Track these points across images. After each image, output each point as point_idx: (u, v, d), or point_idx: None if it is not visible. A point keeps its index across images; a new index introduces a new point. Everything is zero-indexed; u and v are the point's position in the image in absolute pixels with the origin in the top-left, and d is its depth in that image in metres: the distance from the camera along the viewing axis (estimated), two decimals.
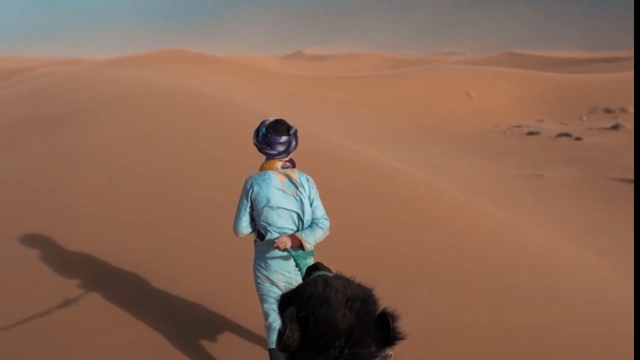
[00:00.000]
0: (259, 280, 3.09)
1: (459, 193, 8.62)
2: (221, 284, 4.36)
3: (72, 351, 3.63)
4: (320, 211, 3.09)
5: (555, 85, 27.70)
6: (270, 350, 3.10)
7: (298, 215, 3.02)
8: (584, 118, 23.22)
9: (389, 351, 1.37)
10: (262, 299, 3.12)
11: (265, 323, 3.14)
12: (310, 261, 2.95)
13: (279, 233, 2.98)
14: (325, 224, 3.06)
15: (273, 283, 3.05)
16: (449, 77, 29.34)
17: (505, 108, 25.07)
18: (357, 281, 1.45)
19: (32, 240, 5.29)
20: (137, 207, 6.08)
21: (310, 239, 2.96)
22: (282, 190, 3.00)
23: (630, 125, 20.31)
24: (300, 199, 3.02)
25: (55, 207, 6.23)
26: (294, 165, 3.13)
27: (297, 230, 3.01)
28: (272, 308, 3.00)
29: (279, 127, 3.02)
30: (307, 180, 3.10)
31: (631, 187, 11.39)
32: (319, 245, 3.07)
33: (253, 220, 3.09)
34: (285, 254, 2.97)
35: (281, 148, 3.03)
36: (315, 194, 3.09)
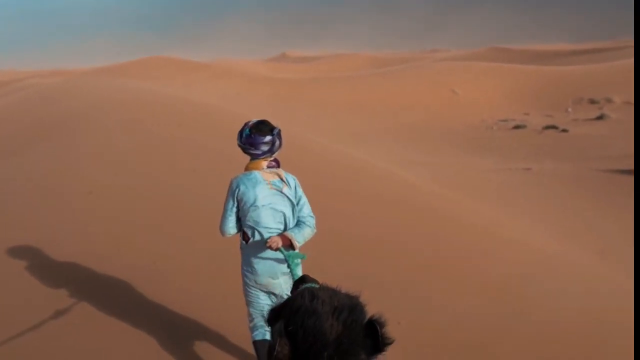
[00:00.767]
0: (246, 287, 3.14)
1: (446, 191, 8.56)
2: (221, 285, 4.33)
3: (72, 351, 3.65)
4: (307, 209, 3.12)
5: (540, 78, 27.84)
6: (254, 343, 3.16)
7: (284, 214, 3.05)
8: (570, 110, 23.33)
9: (380, 357, 1.38)
10: (248, 303, 3.19)
11: (250, 325, 3.21)
12: (299, 262, 2.99)
13: (266, 232, 3.01)
14: (312, 222, 3.10)
15: (260, 288, 3.09)
16: (435, 74, 29.39)
17: (491, 103, 25.16)
18: (343, 291, 1.47)
19: (29, 244, 5.25)
20: (137, 207, 6.10)
21: (300, 238, 3.00)
22: (269, 189, 3.03)
23: (615, 115, 20.50)
24: (287, 198, 3.06)
25: (55, 210, 6.22)
26: (278, 165, 3.16)
27: (285, 228, 3.05)
28: (256, 311, 3.11)
29: (262, 127, 3.05)
30: (293, 179, 3.14)
31: (619, 177, 11.41)
32: (311, 241, 3.09)
33: (239, 221, 3.10)
34: (272, 256, 2.99)
35: (265, 148, 3.05)
36: (301, 192, 3.13)
